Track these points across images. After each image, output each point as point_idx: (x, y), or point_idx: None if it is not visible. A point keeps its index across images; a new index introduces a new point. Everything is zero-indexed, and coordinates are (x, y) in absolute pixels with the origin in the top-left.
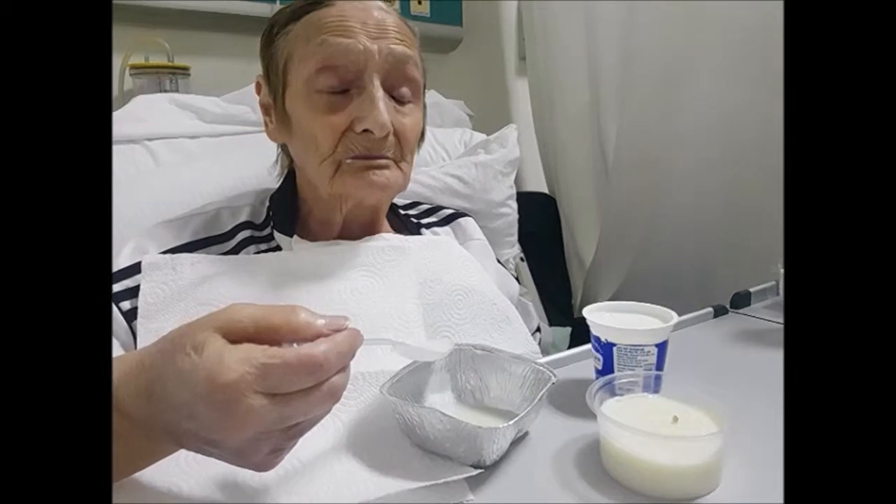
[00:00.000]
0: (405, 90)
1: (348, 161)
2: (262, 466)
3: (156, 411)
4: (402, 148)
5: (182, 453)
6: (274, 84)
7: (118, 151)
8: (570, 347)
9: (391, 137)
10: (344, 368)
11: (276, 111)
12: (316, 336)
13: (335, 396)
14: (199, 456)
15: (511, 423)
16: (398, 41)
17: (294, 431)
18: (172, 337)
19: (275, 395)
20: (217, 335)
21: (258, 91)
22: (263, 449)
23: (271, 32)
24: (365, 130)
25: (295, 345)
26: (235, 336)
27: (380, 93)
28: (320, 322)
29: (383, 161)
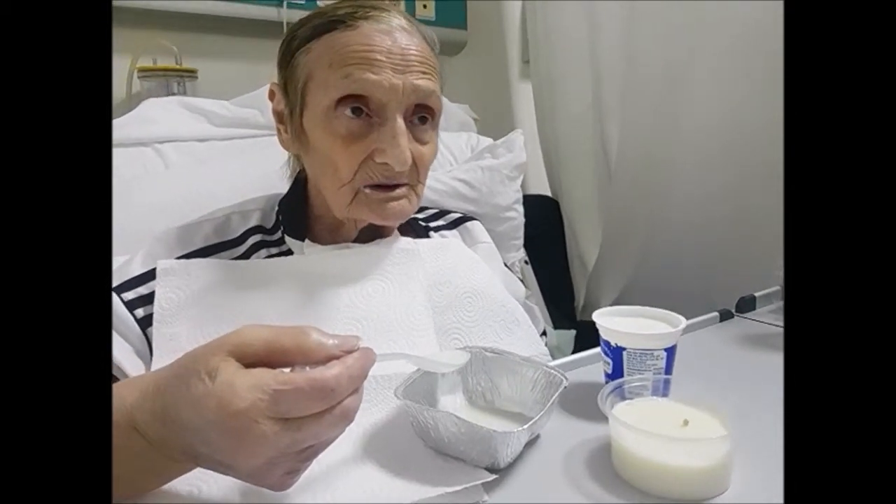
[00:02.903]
0: (425, 118)
1: (366, 191)
2: (277, 487)
3: (171, 434)
4: (419, 173)
5: None
6: (291, 99)
7: (128, 154)
8: (573, 350)
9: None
10: (356, 390)
11: (293, 125)
12: (327, 358)
13: (347, 418)
14: None
15: (525, 427)
16: (422, 74)
17: (308, 453)
18: (186, 361)
19: (287, 420)
20: (230, 359)
21: (271, 98)
22: (277, 472)
23: (290, 46)
24: (384, 163)
25: (307, 368)
26: (248, 359)
27: (402, 127)
28: (331, 343)
29: (400, 191)
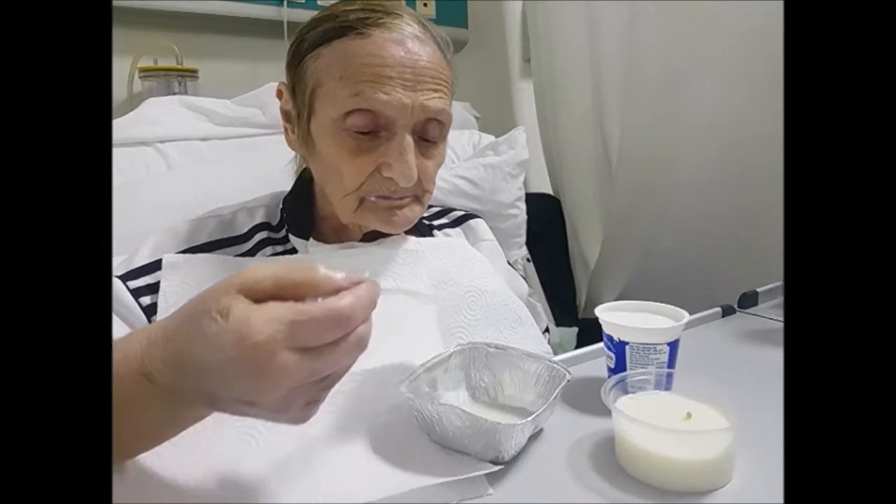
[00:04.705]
0: (434, 132)
1: (372, 199)
2: (298, 420)
3: (187, 379)
4: (424, 184)
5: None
6: (299, 103)
7: (130, 154)
8: (576, 348)
9: None
10: (366, 319)
11: (300, 128)
12: (336, 290)
13: (361, 346)
14: (220, 454)
15: (529, 419)
16: (432, 91)
17: (326, 383)
18: (195, 305)
19: (305, 349)
20: (240, 297)
21: (279, 96)
22: (298, 403)
23: (300, 48)
24: (390, 177)
25: (319, 299)
26: (258, 295)
27: (410, 143)
28: (339, 276)
29: (405, 200)
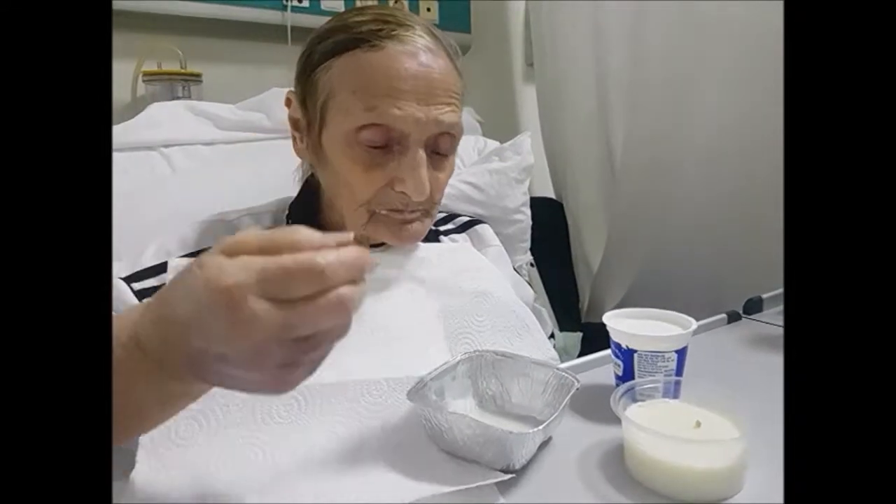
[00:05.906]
0: (445, 145)
1: (383, 213)
2: (277, 384)
3: (173, 337)
4: (434, 197)
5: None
6: (311, 114)
7: (134, 158)
8: (579, 353)
9: None
10: (356, 282)
11: (310, 138)
12: (320, 247)
13: (344, 307)
14: (225, 466)
15: (540, 427)
16: (445, 104)
17: (308, 346)
18: (184, 266)
19: (277, 301)
20: (220, 253)
21: (288, 105)
22: (272, 361)
23: (310, 59)
24: (403, 192)
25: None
26: (240, 254)
27: (423, 158)
28: (322, 237)
29: (416, 214)
